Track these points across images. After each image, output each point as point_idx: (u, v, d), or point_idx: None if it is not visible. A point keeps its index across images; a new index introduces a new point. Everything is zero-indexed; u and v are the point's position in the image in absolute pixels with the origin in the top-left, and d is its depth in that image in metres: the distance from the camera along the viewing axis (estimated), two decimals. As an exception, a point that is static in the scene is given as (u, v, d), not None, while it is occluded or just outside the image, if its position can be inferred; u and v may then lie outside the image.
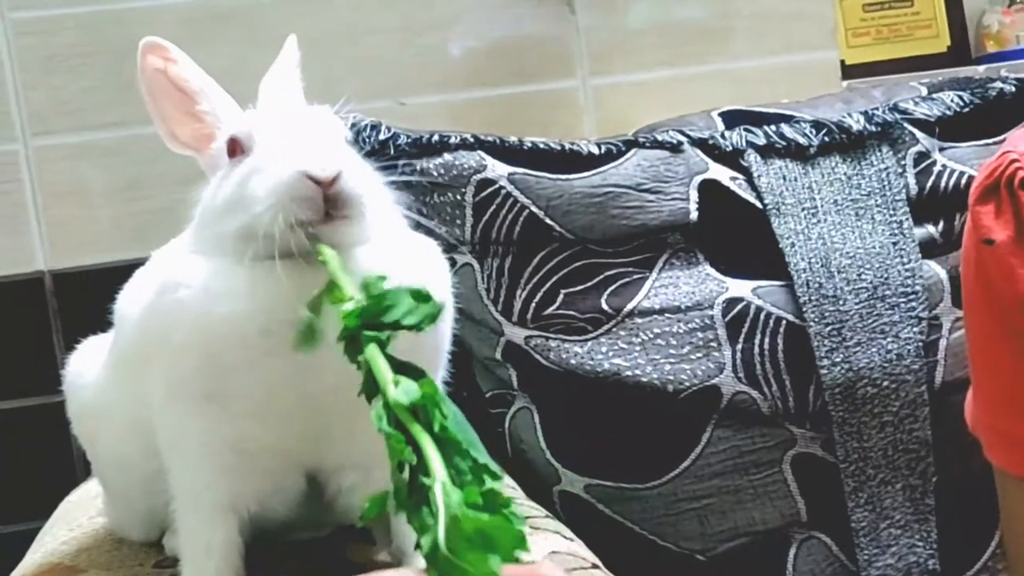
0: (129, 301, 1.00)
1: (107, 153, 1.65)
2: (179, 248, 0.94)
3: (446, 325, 0.91)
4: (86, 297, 1.62)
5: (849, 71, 2.19)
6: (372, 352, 0.70)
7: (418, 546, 0.61)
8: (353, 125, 1.47)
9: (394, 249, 0.88)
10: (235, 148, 0.86)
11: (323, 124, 0.88)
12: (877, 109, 1.60)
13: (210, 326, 0.82)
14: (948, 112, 1.59)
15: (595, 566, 0.99)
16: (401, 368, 0.69)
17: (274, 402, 0.84)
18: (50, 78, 1.64)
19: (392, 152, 1.44)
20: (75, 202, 1.66)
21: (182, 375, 0.85)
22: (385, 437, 0.65)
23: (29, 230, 1.65)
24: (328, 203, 0.81)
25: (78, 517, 1.26)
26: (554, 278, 1.45)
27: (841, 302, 1.47)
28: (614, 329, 1.45)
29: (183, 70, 0.92)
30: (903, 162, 1.55)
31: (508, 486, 1.29)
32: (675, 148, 1.52)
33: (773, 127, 1.57)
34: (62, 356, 1.16)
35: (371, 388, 0.69)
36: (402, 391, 0.66)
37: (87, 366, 1.08)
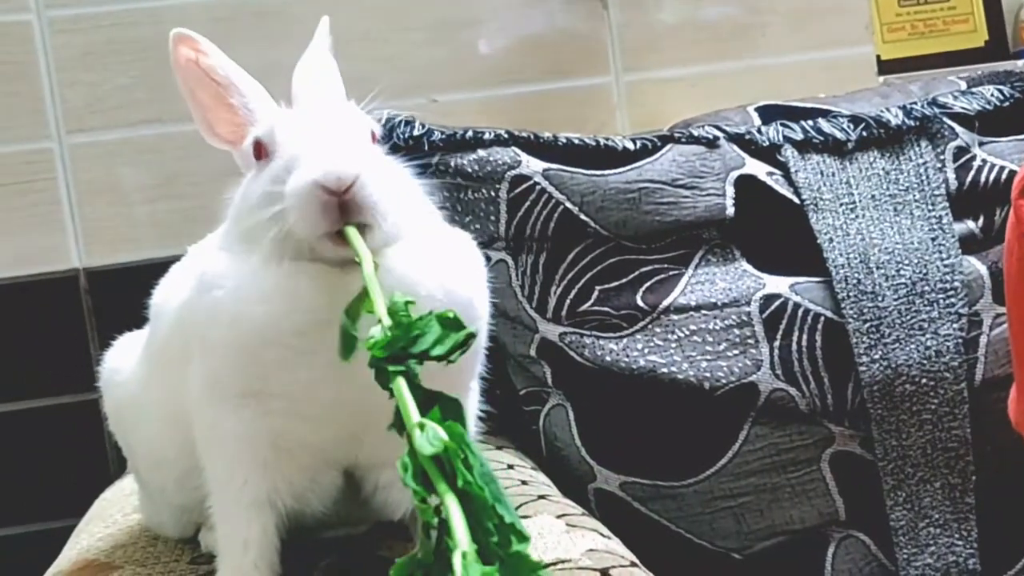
0: (165, 296, 1.00)
1: (142, 151, 1.66)
2: (214, 245, 0.94)
3: (482, 322, 0.90)
4: (120, 295, 1.61)
5: (885, 67, 2.16)
6: (399, 388, 0.68)
7: None
8: (387, 121, 1.46)
9: (427, 247, 0.87)
10: (260, 150, 0.86)
11: (344, 124, 0.87)
12: (915, 103, 1.58)
13: (245, 326, 0.82)
14: (988, 106, 1.57)
15: (634, 564, 0.98)
16: (431, 400, 0.68)
17: (310, 400, 0.83)
18: (85, 75, 1.64)
19: (426, 148, 1.43)
20: (109, 200, 1.66)
21: (219, 373, 0.84)
22: (411, 493, 0.64)
23: (64, 228, 1.65)
24: (343, 211, 0.80)
25: (113, 514, 1.26)
26: (589, 274, 1.44)
27: (880, 298, 1.45)
28: (649, 326, 1.43)
29: (214, 61, 0.92)
30: (942, 157, 1.53)
31: (542, 483, 1.28)
32: (711, 143, 1.51)
33: (810, 122, 1.55)
34: (96, 354, 1.16)
35: (399, 421, 0.68)
36: (427, 439, 0.64)
37: (123, 362, 1.08)
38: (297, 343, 0.81)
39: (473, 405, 0.97)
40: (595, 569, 0.93)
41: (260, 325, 0.81)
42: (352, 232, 0.79)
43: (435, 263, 0.85)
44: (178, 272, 1.02)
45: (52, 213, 1.65)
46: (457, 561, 0.58)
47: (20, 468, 1.64)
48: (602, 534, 1.06)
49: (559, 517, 1.09)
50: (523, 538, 0.61)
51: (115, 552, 1.09)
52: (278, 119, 0.87)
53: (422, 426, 0.65)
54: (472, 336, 0.71)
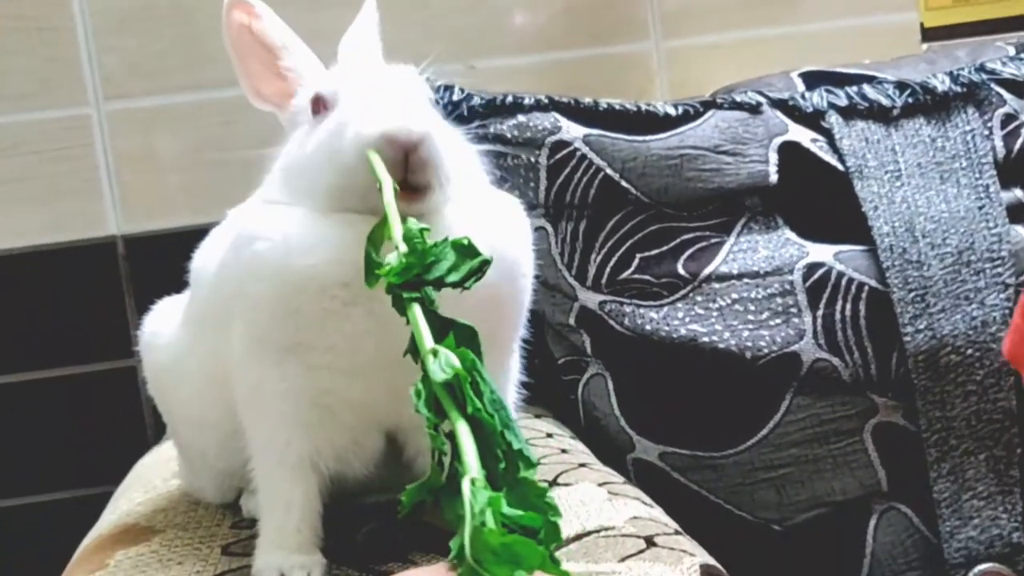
0: (205, 259, 1.00)
1: (179, 117, 1.65)
2: (254, 202, 0.93)
3: (527, 281, 0.89)
4: (158, 261, 1.61)
5: (929, 34, 2.13)
6: (413, 314, 0.68)
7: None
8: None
9: (476, 208, 0.86)
10: (319, 105, 0.86)
11: (408, 84, 0.86)
12: (963, 70, 1.55)
13: (289, 277, 0.81)
14: (1037, 72, 1.54)
15: (678, 532, 0.97)
16: (446, 327, 0.67)
17: (354, 355, 0.83)
18: (123, 41, 1.64)
19: (465, 114, 1.42)
20: (147, 166, 1.66)
21: (261, 328, 0.84)
22: (424, 420, 0.63)
23: (102, 194, 1.65)
24: (409, 168, 0.79)
25: (152, 479, 1.26)
26: (629, 242, 1.43)
27: (925, 267, 1.43)
28: (691, 294, 1.42)
29: (267, 25, 0.92)
30: (990, 124, 1.50)
31: (582, 451, 1.27)
32: (754, 109, 1.48)
33: (855, 88, 1.52)
34: (134, 320, 1.16)
35: (414, 348, 0.68)
36: (439, 365, 0.64)
37: (163, 326, 1.07)
38: (341, 294, 0.80)
39: (515, 367, 0.96)
40: (640, 536, 0.92)
41: (304, 276, 0.81)
42: (374, 157, 0.79)
43: (483, 223, 0.84)
44: (218, 235, 1.01)
45: (90, 179, 1.65)
46: (466, 487, 0.58)
47: (58, 435, 1.65)
48: (644, 502, 1.05)
49: (601, 485, 1.08)
50: (530, 464, 0.61)
51: (155, 516, 1.09)
52: (341, 76, 0.87)
53: (435, 352, 0.65)
54: (487, 263, 0.71)
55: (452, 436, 0.63)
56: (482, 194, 0.89)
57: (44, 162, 1.64)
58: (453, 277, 0.70)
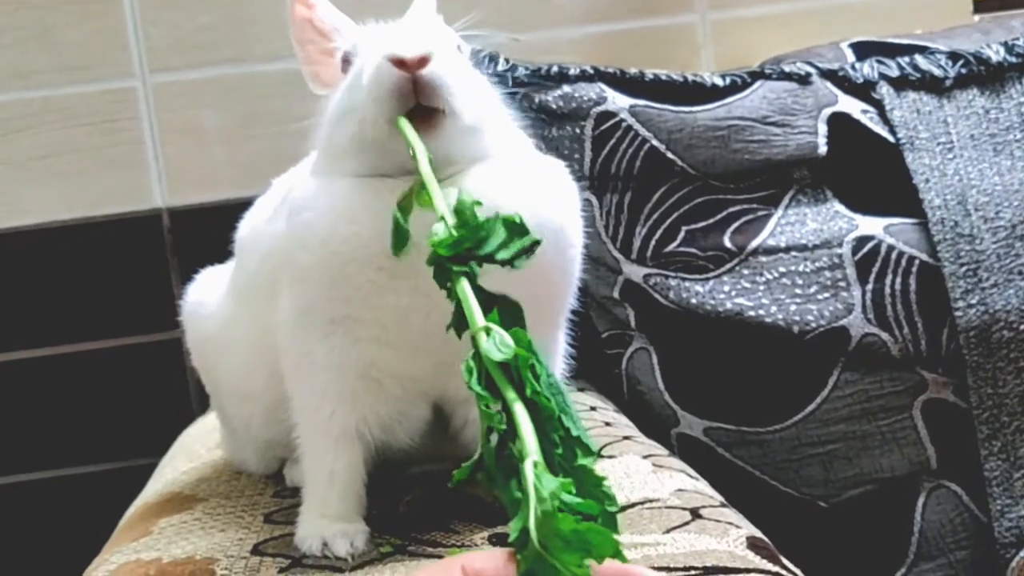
0: (251, 229, 0.99)
1: (224, 90, 1.65)
2: (301, 172, 0.92)
3: (575, 251, 0.88)
4: (202, 234, 1.62)
5: (981, 6, 2.08)
6: (462, 289, 0.66)
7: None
8: (470, 57, 1.44)
9: (516, 170, 0.85)
10: (345, 64, 0.86)
11: (424, 21, 0.86)
12: (1018, 40, 1.51)
13: (336, 247, 0.81)
14: (1095, 42, 1.50)
15: (723, 504, 0.96)
16: (492, 302, 0.66)
17: (400, 327, 0.82)
18: (169, 14, 1.64)
19: (510, 84, 1.41)
20: (192, 139, 1.66)
21: (309, 299, 0.83)
22: (475, 397, 0.62)
23: (147, 167, 1.66)
24: (418, 91, 0.78)
25: (197, 449, 1.27)
26: (675, 214, 1.41)
27: (978, 241, 1.40)
28: (737, 267, 1.40)
29: (323, 13, 0.92)
30: (1045, 95, 1.47)
31: (625, 425, 1.26)
32: (803, 80, 1.46)
33: (906, 58, 1.49)
34: (179, 293, 1.16)
35: (460, 322, 0.66)
36: (494, 345, 0.63)
37: (206, 296, 1.07)
38: (388, 265, 0.79)
39: (562, 341, 0.95)
40: (685, 508, 0.91)
41: (351, 246, 0.80)
42: (404, 123, 0.78)
43: (524, 186, 0.82)
44: (264, 205, 1.01)
45: (135, 152, 1.65)
46: (529, 470, 0.57)
47: (103, 406, 1.66)
48: (689, 475, 1.04)
49: (645, 457, 1.07)
50: (589, 452, 0.60)
51: (199, 485, 1.09)
52: (363, 32, 0.86)
53: (488, 330, 0.63)
54: (537, 243, 0.69)
55: (507, 414, 0.61)
56: (523, 155, 0.88)
57: (90, 135, 1.64)
58: (503, 255, 0.68)
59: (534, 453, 0.58)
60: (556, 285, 0.87)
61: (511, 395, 0.61)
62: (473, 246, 0.68)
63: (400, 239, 0.75)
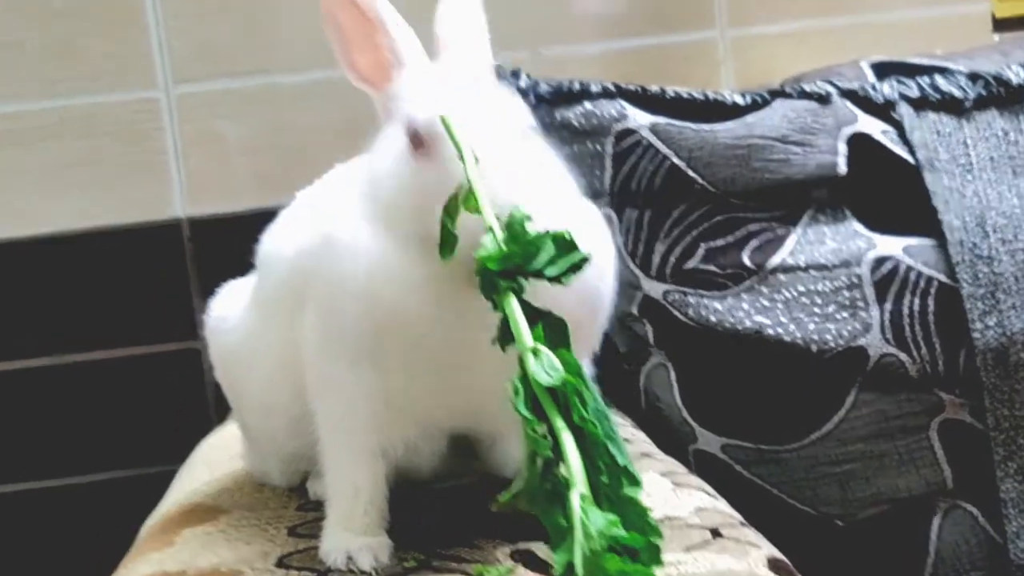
0: (276, 243, 1.00)
1: (246, 101, 1.66)
2: (341, 206, 0.92)
3: (608, 310, 0.87)
4: (222, 244, 1.64)
5: (1000, 24, 2.09)
6: (510, 305, 0.67)
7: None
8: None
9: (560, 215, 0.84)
10: (417, 141, 0.80)
11: (510, 137, 0.79)
12: (1038, 61, 1.52)
13: (373, 305, 0.80)
14: (1115, 65, 1.51)
15: (743, 523, 0.96)
16: (537, 317, 0.66)
17: (430, 362, 0.82)
18: (192, 25, 1.65)
19: (532, 100, 1.41)
20: (214, 149, 1.67)
21: (339, 335, 0.83)
22: (522, 421, 0.62)
23: (168, 177, 1.67)
24: None
25: (217, 459, 1.27)
26: (694, 232, 1.42)
27: (996, 263, 1.41)
28: (756, 286, 1.40)
29: None
30: (1065, 118, 1.47)
31: (644, 441, 1.26)
32: (823, 99, 1.46)
33: (927, 79, 1.50)
34: (198, 302, 1.17)
35: (505, 337, 0.67)
36: (542, 368, 0.63)
37: (230, 310, 1.08)
38: (424, 328, 0.79)
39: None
40: (705, 527, 0.91)
41: (388, 307, 0.80)
42: (451, 122, 0.76)
43: (566, 216, 0.82)
44: (288, 218, 1.01)
45: (157, 162, 1.66)
46: (575, 502, 0.57)
47: (122, 414, 1.67)
48: (709, 493, 1.04)
49: (664, 475, 1.08)
50: (635, 481, 0.60)
51: (221, 496, 1.10)
52: (437, 110, 0.79)
53: (536, 352, 0.63)
54: (586, 260, 0.69)
55: (552, 438, 0.61)
56: (567, 204, 0.83)
57: (113, 144, 1.66)
58: (552, 271, 0.69)
59: (581, 485, 0.58)
60: (590, 317, 0.87)
61: (559, 423, 0.61)
62: (522, 261, 0.69)
63: (448, 243, 0.74)
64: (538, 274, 0.69)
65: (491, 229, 0.70)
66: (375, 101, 0.88)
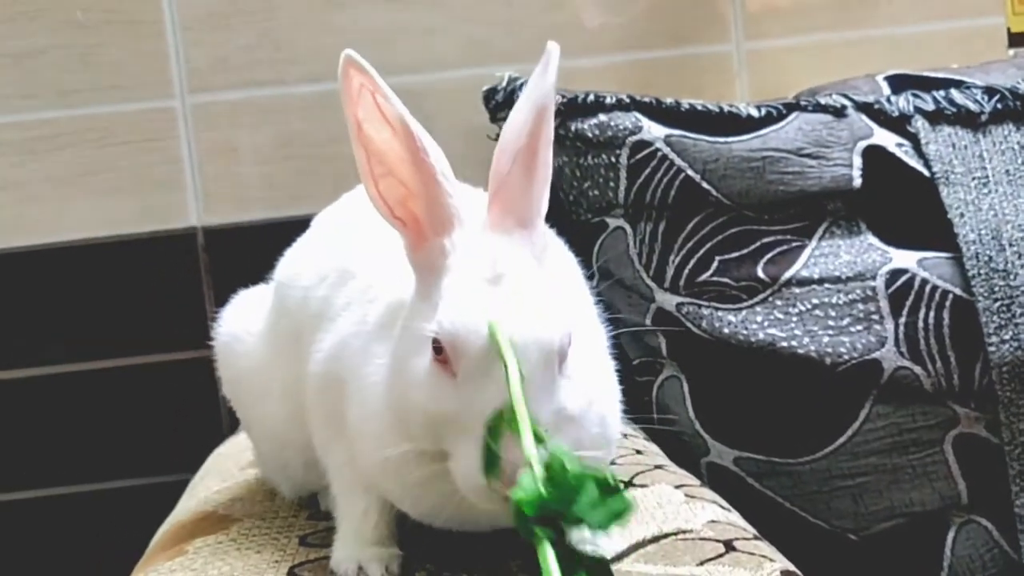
0: (293, 273, 0.99)
1: (262, 111, 1.67)
2: (345, 212, 0.90)
3: (615, 446, 0.87)
4: (237, 253, 1.64)
5: (1015, 39, 2.08)
6: (544, 554, 0.63)
7: None
8: (507, 84, 1.46)
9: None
10: (441, 351, 0.74)
11: (543, 353, 0.73)
12: (1054, 75, 1.51)
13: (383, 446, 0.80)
14: None
15: (756, 537, 0.96)
16: (578, 562, 0.63)
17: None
18: (209, 35, 1.65)
19: (546, 112, 1.41)
20: (229, 159, 1.67)
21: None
22: None
23: (184, 186, 1.67)
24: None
25: (229, 468, 1.27)
26: (709, 244, 1.42)
27: (1012, 276, 1.40)
28: (770, 298, 1.40)
29: (396, 112, 0.77)
30: (1081, 131, 1.47)
31: (656, 453, 1.26)
32: (838, 112, 1.46)
33: (942, 92, 1.50)
34: (212, 311, 1.17)
35: None
36: None
37: (242, 328, 1.06)
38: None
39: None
40: (719, 540, 0.91)
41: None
42: (498, 330, 0.71)
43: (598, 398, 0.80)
44: (306, 246, 1.01)
45: (173, 171, 1.67)
46: None
47: (134, 422, 1.67)
48: (722, 506, 1.04)
49: (678, 487, 1.07)
50: None
51: (233, 505, 1.10)
52: (477, 330, 0.73)
53: None
54: (629, 509, 0.65)
55: None
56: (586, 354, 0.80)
57: (129, 153, 1.66)
58: (593, 519, 0.64)
59: None
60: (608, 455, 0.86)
61: None
62: (561, 507, 0.64)
63: (491, 463, 0.69)
64: (578, 521, 0.65)
65: (530, 466, 0.65)
66: (399, 235, 0.80)
